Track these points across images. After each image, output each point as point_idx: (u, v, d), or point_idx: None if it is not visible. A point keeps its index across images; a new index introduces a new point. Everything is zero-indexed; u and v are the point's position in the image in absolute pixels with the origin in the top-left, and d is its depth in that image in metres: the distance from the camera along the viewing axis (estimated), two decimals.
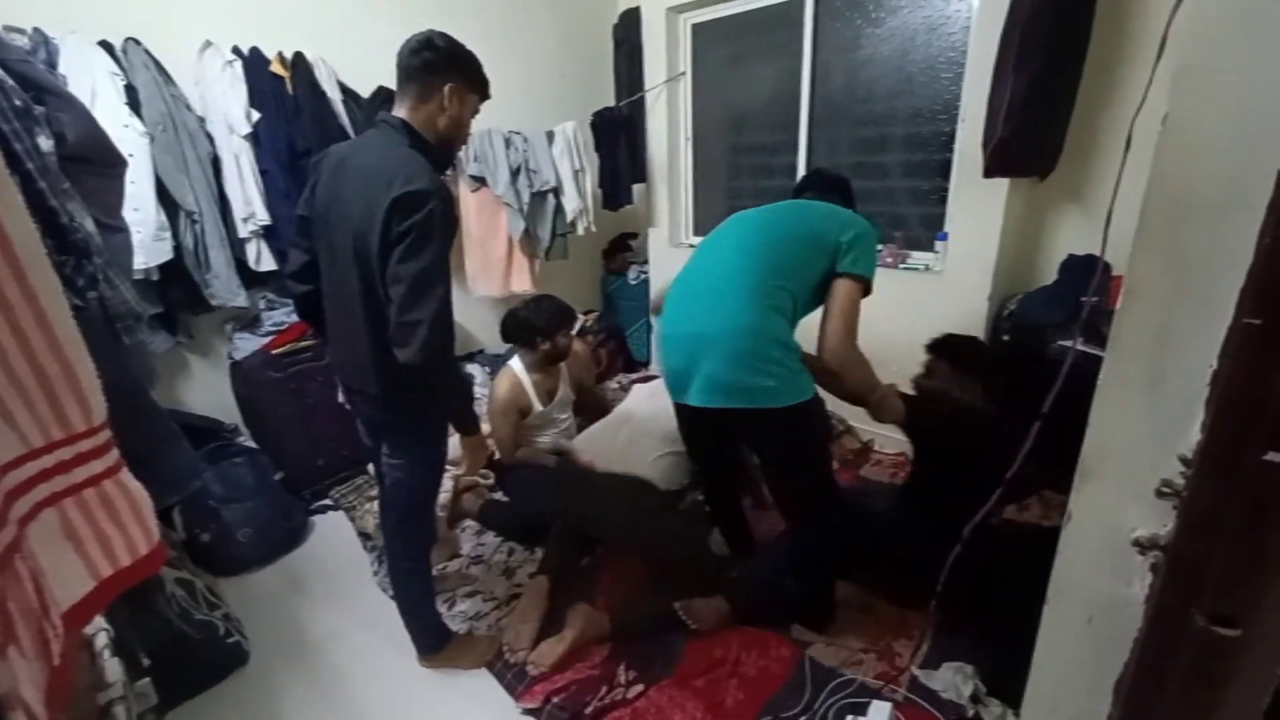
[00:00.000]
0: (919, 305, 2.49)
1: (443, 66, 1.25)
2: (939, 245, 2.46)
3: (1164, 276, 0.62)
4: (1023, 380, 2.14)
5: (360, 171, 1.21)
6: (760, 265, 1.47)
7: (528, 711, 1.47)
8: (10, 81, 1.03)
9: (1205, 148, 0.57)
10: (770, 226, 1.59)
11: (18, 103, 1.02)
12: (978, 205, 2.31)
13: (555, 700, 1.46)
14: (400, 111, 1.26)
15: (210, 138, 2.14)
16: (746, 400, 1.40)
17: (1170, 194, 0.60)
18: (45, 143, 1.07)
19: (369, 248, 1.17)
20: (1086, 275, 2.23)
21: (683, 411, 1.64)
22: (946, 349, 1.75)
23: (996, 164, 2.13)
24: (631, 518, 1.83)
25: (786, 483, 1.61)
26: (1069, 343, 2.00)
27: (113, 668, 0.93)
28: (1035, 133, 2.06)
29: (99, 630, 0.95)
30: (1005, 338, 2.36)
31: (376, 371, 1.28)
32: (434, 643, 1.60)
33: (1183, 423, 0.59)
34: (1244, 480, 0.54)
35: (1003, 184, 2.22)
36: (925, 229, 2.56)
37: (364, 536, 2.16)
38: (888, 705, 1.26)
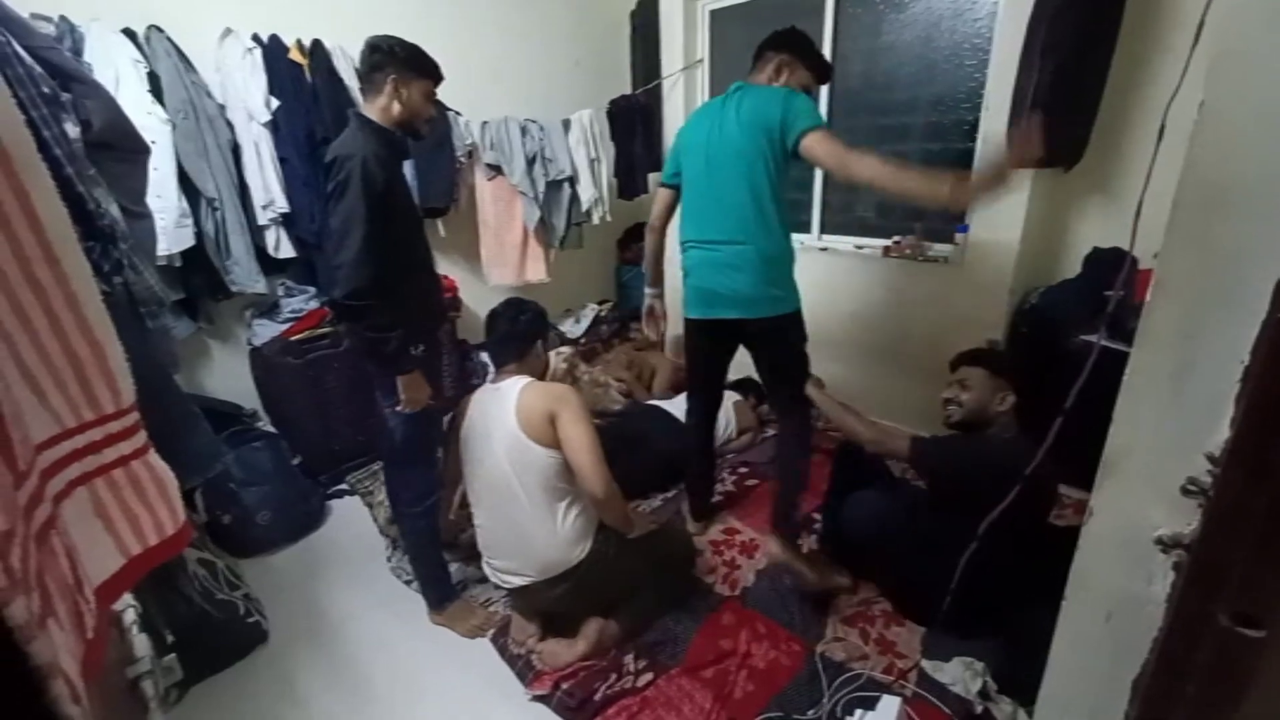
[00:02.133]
0: (937, 298, 2.46)
1: (383, 64, 1.45)
2: (959, 237, 2.42)
3: (1195, 269, 0.60)
4: (1042, 376, 2.12)
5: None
6: (753, 178, 1.61)
7: (537, 698, 1.49)
8: (38, 69, 1.04)
9: (1242, 137, 0.56)
10: (736, 133, 1.63)
11: (45, 90, 1.03)
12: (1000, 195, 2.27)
13: (564, 687, 1.48)
14: (364, 108, 1.50)
15: (230, 125, 2.16)
16: (769, 309, 1.67)
17: (1204, 185, 0.59)
18: (72, 129, 1.09)
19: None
20: (1112, 269, 2.19)
21: (703, 326, 1.80)
22: (976, 357, 1.70)
23: None
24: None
25: (787, 381, 1.80)
26: (1092, 337, 1.97)
27: (141, 643, 0.96)
28: (1062, 122, 2.01)
29: (127, 607, 0.98)
30: (1024, 330, 2.33)
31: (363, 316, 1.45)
32: (439, 596, 1.73)
33: (1211, 420, 0.58)
34: (1274, 479, 0.53)
35: (1027, 174, 2.17)
36: (945, 220, 2.52)
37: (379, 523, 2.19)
38: (897, 700, 1.26)
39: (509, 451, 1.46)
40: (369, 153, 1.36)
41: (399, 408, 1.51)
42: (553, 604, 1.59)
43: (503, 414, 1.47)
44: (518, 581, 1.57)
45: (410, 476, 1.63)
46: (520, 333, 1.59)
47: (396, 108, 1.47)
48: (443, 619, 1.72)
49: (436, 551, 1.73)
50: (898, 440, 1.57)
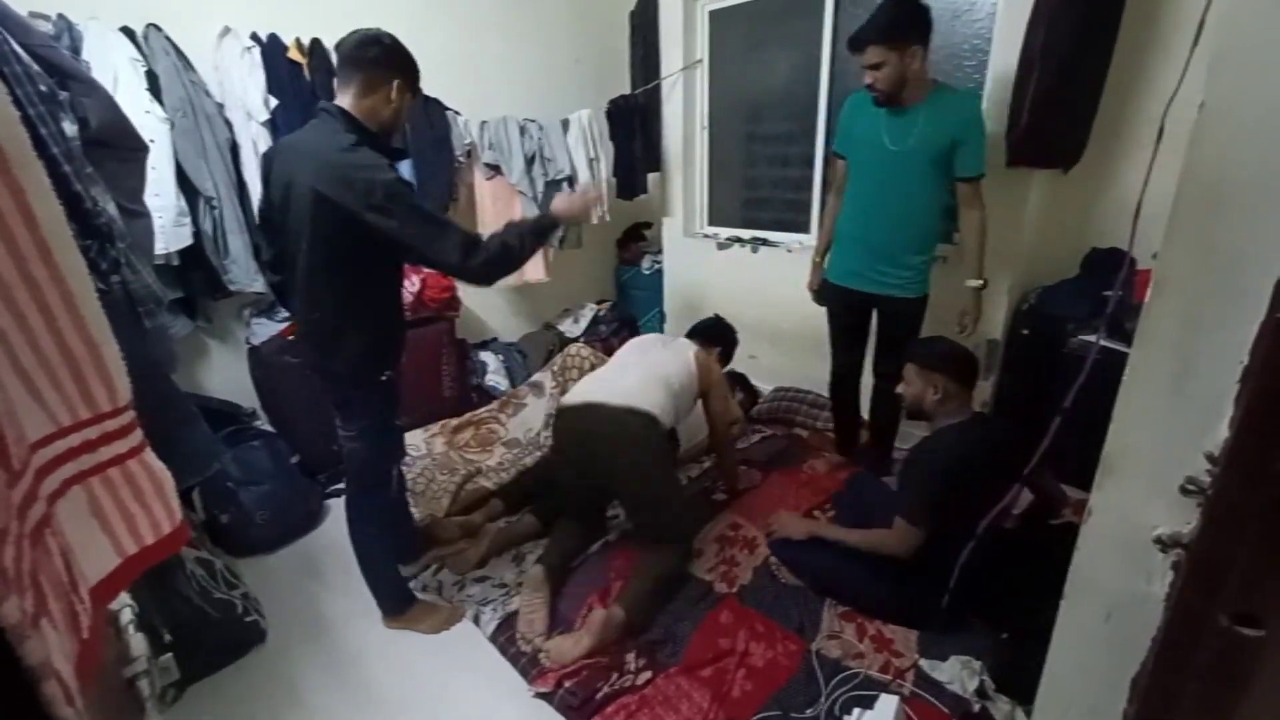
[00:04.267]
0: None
1: (392, 63, 1.35)
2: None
3: (1195, 269, 0.60)
4: (1042, 376, 2.13)
5: (307, 158, 1.30)
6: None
7: (540, 695, 1.48)
8: (36, 67, 1.04)
9: (1242, 138, 0.56)
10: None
11: (43, 88, 1.03)
12: (999, 196, 2.26)
13: (567, 685, 1.48)
14: (343, 101, 1.35)
15: (229, 124, 2.16)
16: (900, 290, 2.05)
17: (1204, 185, 0.59)
18: (70, 128, 1.08)
19: (321, 226, 1.28)
20: (1110, 269, 2.19)
21: (846, 296, 2.16)
22: (910, 353, 1.73)
23: (1020, 154, 2.09)
24: (637, 445, 1.73)
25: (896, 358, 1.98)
26: (1091, 337, 1.97)
27: (137, 642, 0.96)
28: (1061, 123, 2.01)
29: (124, 606, 0.98)
30: (1025, 332, 2.33)
31: (334, 343, 1.41)
32: (396, 606, 1.72)
33: (1210, 419, 0.58)
34: (1273, 479, 0.53)
35: (1026, 175, 2.18)
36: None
37: None
38: (895, 699, 1.26)
39: (675, 368, 1.91)
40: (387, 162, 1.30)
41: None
42: (592, 463, 1.75)
43: (678, 354, 1.99)
44: (591, 399, 1.77)
45: (368, 503, 1.62)
46: (366, 60, 1.35)
47: (388, 113, 1.37)
48: (401, 622, 1.71)
49: (391, 560, 1.74)
50: (895, 536, 1.57)
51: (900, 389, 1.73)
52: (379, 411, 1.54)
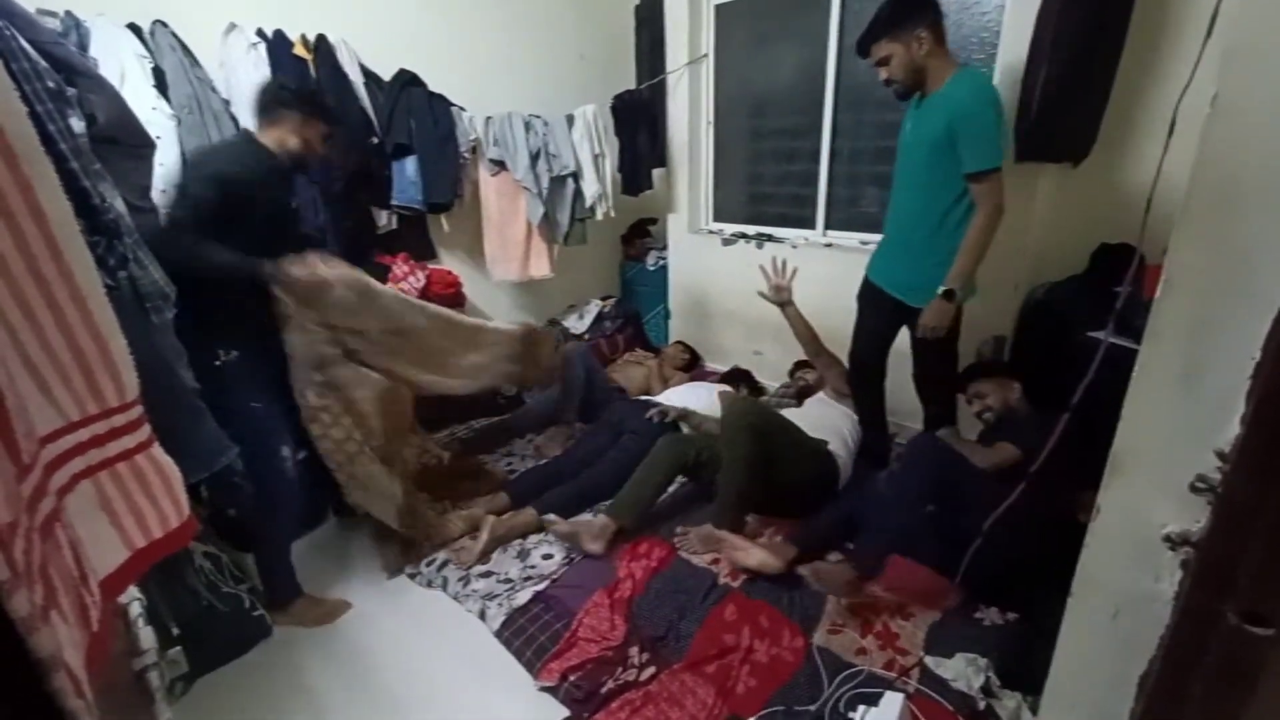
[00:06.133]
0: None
1: (289, 103, 1.63)
2: None
3: (1206, 264, 0.59)
4: (1050, 372, 2.11)
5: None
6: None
7: (545, 689, 1.49)
8: (43, 63, 1.04)
9: (1256, 131, 0.55)
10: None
11: (50, 84, 1.03)
12: (1007, 191, 2.24)
13: (572, 679, 1.48)
14: (260, 133, 1.66)
15: (235, 120, 2.16)
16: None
17: (1216, 179, 0.58)
18: (77, 124, 1.09)
19: None
20: (1120, 265, 2.17)
21: (868, 290, 2.16)
22: (978, 372, 2.04)
23: (1029, 148, 2.07)
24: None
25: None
26: (1100, 334, 1.95)
27: (146, 635, 0.96)
28: (1070, 117, 1.99)
29: (133, 599, 0.98)
30: (1031, 327, 2.31)
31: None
32: (288, 594, 1.76)
33: (1221, 416, 0.57)
34: None
35: (1034, 169, 2.16)
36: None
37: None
38: (900, 696, 1.26)
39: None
40: (245, 170, 1.53)
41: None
42: None
43: (709, 393, 2.43)
44: None
45: (258, 487, 1.63)
46: (265, 103, 1.67)
47: (294, 141, 1.63)
48: (289, 617, 1.73)
49: (284, 556, 1.77)
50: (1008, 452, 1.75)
51: (979, 406, 1.91)
52: (234, 395, 1.55)
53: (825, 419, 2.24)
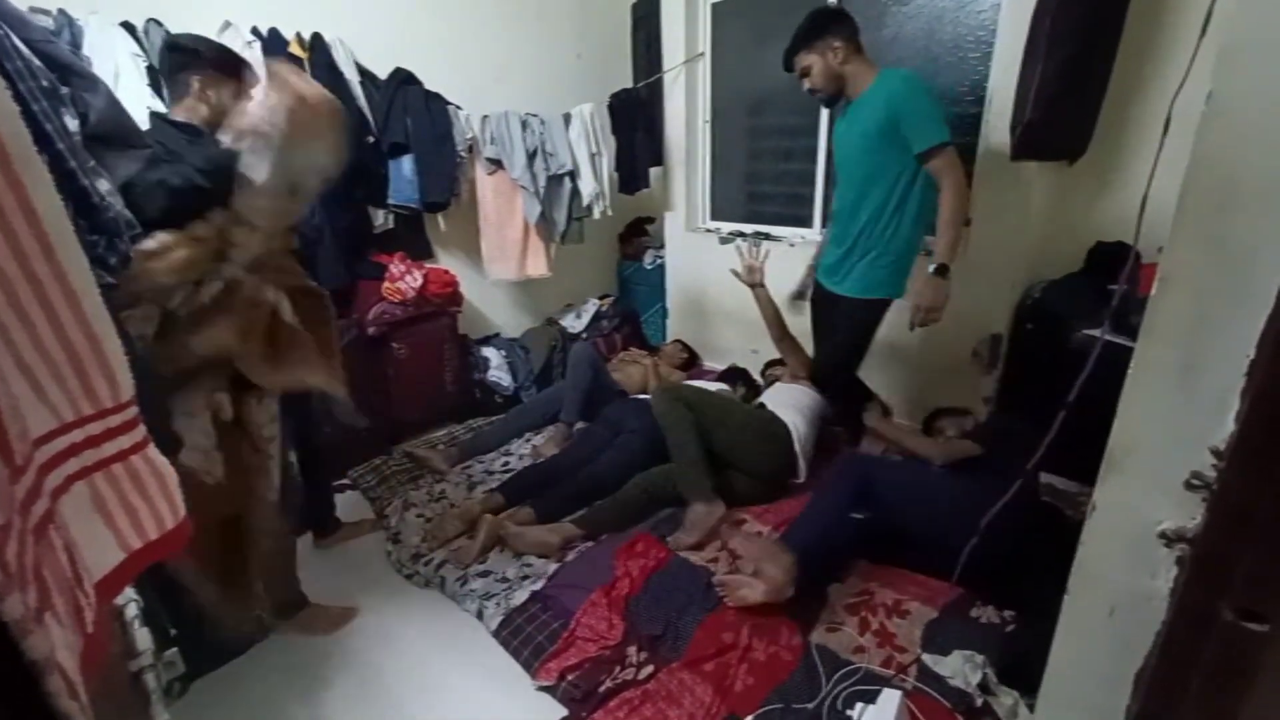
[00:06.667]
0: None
1: (187, 64, 1.45)
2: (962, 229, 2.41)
3: (1202, 262, 0.60)
4: (1046, 370, 2.12)
5: None
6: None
7: (543, 689, 1.49)
8: (37, 62, 1.03)
9: (1251, 129, 0.55)
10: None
11: (45, 83, 1.02)
12: (1003, 190, 2.26)
13: (570, 678, 1.48)
14: (172, 110, 1.49)
15: None
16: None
17: (1212, 177, 0.58)
18: (72, 123, 1.08)
19: None
20: (1116, 263, 2.18)
21: (816, 291, 2.32)
22: (937, 417, 2.22)
23: (1025, 147, 2.07)
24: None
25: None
26: (1096, 332, 1.97)
27: (142, 637, 0.96)
28: (1066, 115, 2.00)
29: (129, 601, 0.98)
30: (1029, 326, 2.32)
31: None
32: (296, 605, 1.73)
33: (1216, 413, 0.57)
34: (1279, 474, 0.53)
35: (1030, 168, 2.16)
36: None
37: (382, 518, 2.20)
38: (898, 694, 1.26)
39: None
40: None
41: None
42: None
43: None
44: None
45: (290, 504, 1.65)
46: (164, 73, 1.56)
47: (204, 110, 1.46)
48: (297, 628, 1.70)
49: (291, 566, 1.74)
50: (965, 446, 1.85)
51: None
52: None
53: (779, 396, 2.35)
